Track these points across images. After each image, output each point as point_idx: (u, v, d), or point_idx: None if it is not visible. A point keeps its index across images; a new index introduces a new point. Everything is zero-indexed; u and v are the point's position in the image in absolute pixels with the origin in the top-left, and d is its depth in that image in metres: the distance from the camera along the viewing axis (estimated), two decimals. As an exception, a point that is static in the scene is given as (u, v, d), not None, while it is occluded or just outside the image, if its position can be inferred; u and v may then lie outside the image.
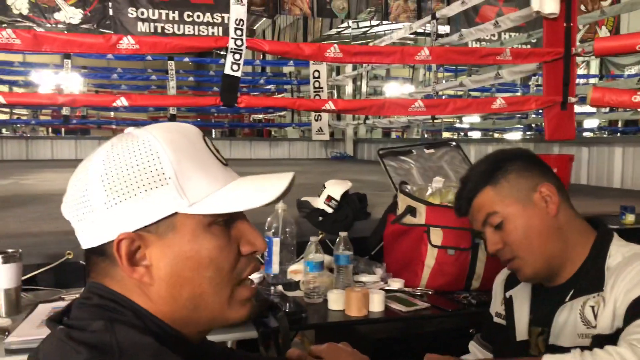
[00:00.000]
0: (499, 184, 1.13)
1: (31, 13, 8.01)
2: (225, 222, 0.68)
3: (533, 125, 9.19)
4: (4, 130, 10.83)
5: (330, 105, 2.96)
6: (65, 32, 6.88)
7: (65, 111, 7.45)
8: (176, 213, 0.65)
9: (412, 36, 9.83)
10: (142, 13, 8.29)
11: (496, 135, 9.82)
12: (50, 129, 11.88)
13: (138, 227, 0.64)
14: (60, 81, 8.87)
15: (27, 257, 1.70)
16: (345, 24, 11.63)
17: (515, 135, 9.11)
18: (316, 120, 7.61)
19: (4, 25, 7.07)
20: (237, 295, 0.69)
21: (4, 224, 2.31)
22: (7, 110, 10.86)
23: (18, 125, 11.17)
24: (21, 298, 1.61)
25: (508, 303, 1.23)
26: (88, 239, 0.67)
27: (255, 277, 1.93)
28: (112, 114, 11.30)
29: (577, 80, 4.34)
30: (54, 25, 8.09)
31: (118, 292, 0.66)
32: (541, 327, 1.12)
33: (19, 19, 8.02)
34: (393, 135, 11.99)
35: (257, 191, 0.68)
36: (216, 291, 0.67)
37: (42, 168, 5.86)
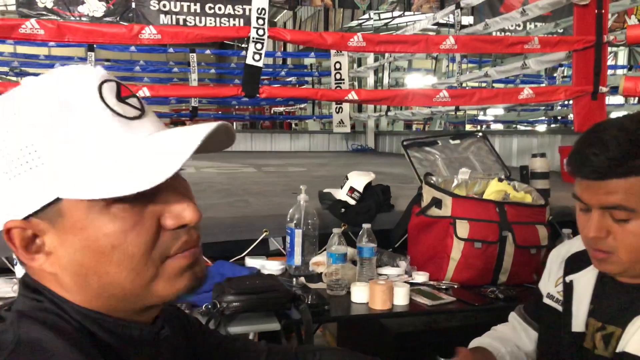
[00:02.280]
0: None
1: (56, 6, 8.11)
2: (134, 197, 0.53)
3: (559, 117, 9.00)
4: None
5: (352, 96, 2.92)
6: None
7: None
8: (58, 198, 0.54)
9: (434, 27, 9.67)
10: (164, 5, 8.34)
11: (520, 127, 9.65)
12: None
13: (24, 215, 0.55)
14: (84, 74, 8.95)
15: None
16: (366, 16, 11.54)
17: (540, 128, 8.94)
18: (337, 112, 7.55)
19: (29, 18, 7.16)
20: (167, 270, 0.58)
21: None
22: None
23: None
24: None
25: (567, 288, 1.10)
26: None
27: (276, 268, 1.91)
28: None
29: (607, 71, 4.21)
30: (77, 18, 8.19)
31: (37, 280, 0.59)
32: (602, 322, 1.02)
33: (44, 12, 8.13)
34: (414, 127, 11.88)
35: (159, 158, 0.54)
36: (132, 277, 0.56)
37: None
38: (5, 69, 9.67)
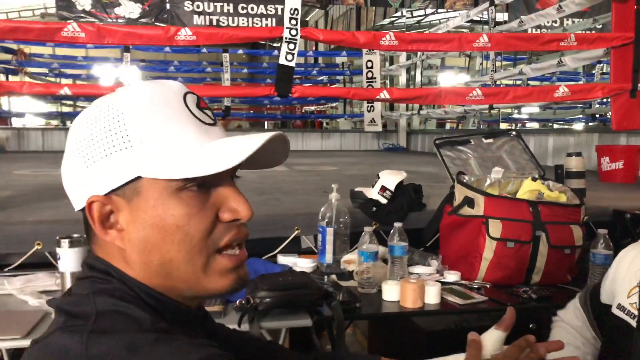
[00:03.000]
0: None
1: (94, 9, 8.33)
2: (199, 187, 0.64)
3: (597, 115, 8.77)
4: (68, 123, 11.36)
5: (384, 95, 2.92)
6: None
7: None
8: (139, 177, 0.63)
9: (468, 24, 9.55)
10: (198, 6, 8.46)
11: (556, 126, 9.44)
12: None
13: (107, 191, 0.64)
14: (119, 74, 9.17)
15: (91, 241, 1.76)
16: (398, 13, 11.46)
17: (577, 126, 8.73)
18: (369, 111, 7.54)
19: (68, 21, 7.37)
20: (215, 265, 0.66)
21: (71, 210, 2.39)
22: (71, 102, 11.36)
23: (82, 117, 11.65)
24: (86, 281, 1.67)
25: None
26: (74, 202, 0.68)
27: (308, 266, 1.93)
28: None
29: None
30: (114, 20, 8.38)
31: (105, 259, 0.66)
32: None
33: (82, 15, 8.36)
34: (447, 126, 11.75)
35: (226, 153, 0.63)
36: (187, 259, 0.64)
37: (104, 158, 6.07)
38: (45, 70, 9.97)
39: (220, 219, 0.66)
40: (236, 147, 0.63)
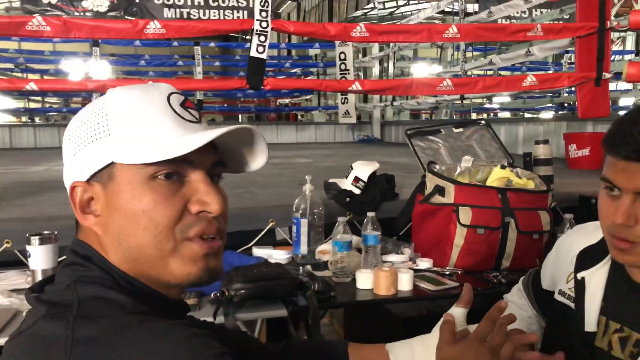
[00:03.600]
0: None
1: (60, 2, 8.15)
2: (168, 177, 0.66)
3: (565, 104, 8.96)
4: (37, 119, 11.10)
5: (357, 86, 2.94)
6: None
7: (95, 98, 7.59)
8: (113, 163, 0.66)
9: (439, 15, 9.64)
10: (168, -1, 8.34)
11: (527, 115, 9.61)
12: (81, 117, 12.09)
13: (87, 177, 0.68)
14: (89, 69, 9.01)
15: (63, 239, 1.75)
16: (371, 5, 11.49)
17: (546, 115, 8.90)
18: (343, 103, 7.57)
19: (34, 14, 7.19)
20: (183, 251, 0.67)
21: (40, 207, 2.37)
22: (39, 98, 11.11)
23: (50, 113, 11.44)
24: (58, 278, 1.65)
25: (579, 285, 1.06)
26: (68, 193, 0.71)
27: (283, 257, 1.95)
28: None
29: (613, 57, 4.19)
30: (82, 14, 8.21)
31: (87, 244, 0.69)
32: (620, 324, 0.98)
33: (48, 8, 8.17)
34: (423, 117, 11.85)
35: (187, 141, 0.65)
36: (153, 244, 0.66)
37: (74, 154, 5.98)
38: (11, 65, 9.73)
39: (189, 211, 0.68)
40: (196, 137, 0.66)
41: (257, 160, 0.77)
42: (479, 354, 0.85)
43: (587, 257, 1.07)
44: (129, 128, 0.67)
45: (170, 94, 0.70)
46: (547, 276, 1.22)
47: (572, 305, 1.08)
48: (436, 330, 0.95)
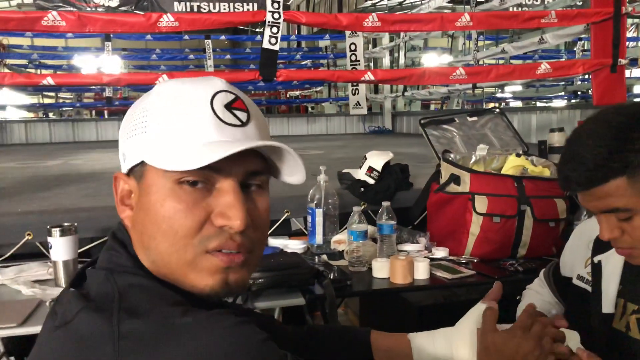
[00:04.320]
0: (636, 174, 0.88)
1: (72, -3, 8.19)
2: (193, 185, 0.63)
3: (579, 92, 8.86)
4: (51, 114, 11.21)
5: (369, 76, 2.93)
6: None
7: (108, 93, 7.65)
8: (144, 162, 0.65)
9: (450, 5, 9.56)
10: (178, -8, 8.35)
11: (539, 103, 9.53)
12: (94, 112, 12.21)
13: (126, 170, 0.69)
14: (101, 64, 9.07)
15: (82, 231, 1.77)
16: (380, -5, 11.42)
17: (559, 103, 8.81)
18: (353, 94, 7.55)
19: (47, 10, 7.25)
20: (202, 263, 0.64)
21: (59, 200, 2.40)
22: (53, 94, 11.21)
23: (64, 108, 11.54)
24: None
25: (596, 269, 1.09)
26: None
27: (299, 247, 1.96)
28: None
29: (627, 43, 4.14)
30: (93, 9, 8.26)
31: (126, 231, 0.70)
32: (638, 306, 1.01)
33: (60, 4, 8.22)
34: (432, 107, 11.79)
35: (208, 152, 0.61)
36: (171, 252, 0.64)
37: (88, 149, 6.04)
38: (24, 61, 9.81)
39: (212, 222, 0.64)
40: (225, 147, 0.62)
41: (294, 175, 0.72)
42: (522, 342, 0.86)
43: (603, 242, 1.07)
44: (162, 129, 0.64)
45: (217, 92, 0.66)
46: (566, 263, 1.24)
47: (590, 289, 1.10)
48: (460, 324, 0.95)
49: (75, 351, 0.58)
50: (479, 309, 0.94)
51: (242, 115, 0.66)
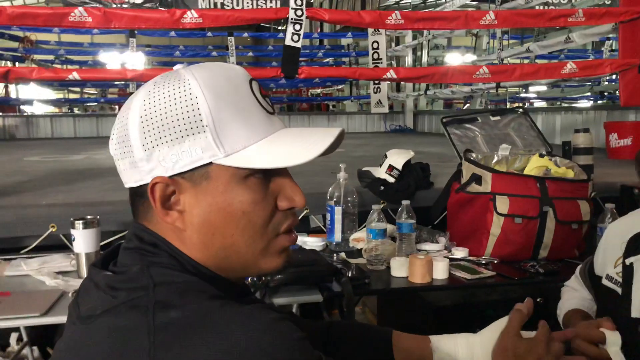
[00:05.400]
0: None
1: (98, -6, 8.31)
2: (264, 175, 0.66)
3: (606, 92, 8.69)
4: (76, 110, 11.40)
5: (391, 74, 2.92)
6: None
7: (131, 89, 7.74)
8: (211, 163, 0.63)
9: (474, 3, 9.45)
10: (202, -10, 8.40)
11: (564, 104, 9.37)
12: (118, 107, 12.40)
13: (173, 174, 0.64)
14: (125, 59, 9.18)
15: (104, 224, 1.80)
16: (404, -7, 11.34)
17: (584, 104, 8.65)
18: (375, 92, 7.51)
19: (74, 6, 7.37)
20: (273, 247, 0.69)
21: (82, 194, 2.45)
22: (78, 89, 11.39)
23: (88, 104, 11.71)
24: (100, 261, 1.71)
25: (627, 271, 1.07)
26: (128, 179, 0.67)
27: (317, 244, 1.96)
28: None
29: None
30: (119, 5, 8.37)
31: (156, 232, 0.67)
32: None
33: (87, 0, 8.34)
34: (455, 107, 11.68)
35: (298, 148, 0.65)
36: (249, 243, 0.67)
37: (112, 143, 6.13)
38: (51, 57, 9.99)
39: (278, 207, 0.68)
40: (308, 142, 0.66)
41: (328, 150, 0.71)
42: (542, 353, 0.85)
43: (638, 243, 1.06)
44: (225, 126, 0.63)
45: (251, 80, 0.68)
46: (598, 261, 1.21)
47: (619, 290, 1.08)
48: (484, 334, 0.93)
49: (111, 343, 0.57)
50: (505, 321, 0.92)
51: (269, 102, 0.70)
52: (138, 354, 0.55)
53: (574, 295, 1.30)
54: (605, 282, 1.14)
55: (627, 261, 1.06)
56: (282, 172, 0.69)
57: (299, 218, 2.12)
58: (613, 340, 0.94)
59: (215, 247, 0.66)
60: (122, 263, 0.66)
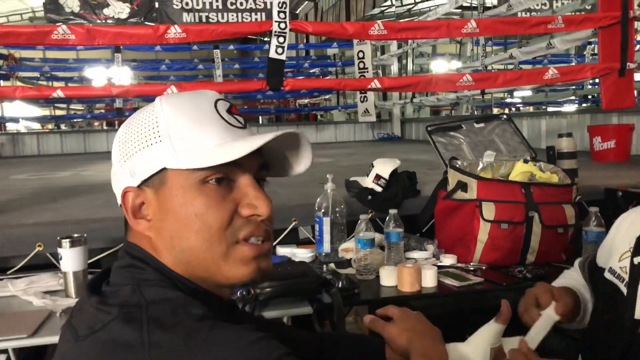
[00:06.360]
0: None
1: (82, 10, 8.31)
2: (219, 182, 0.68)
3: (589, 96, 8.80)
4: (62, 126, 11.33)
5: (375, 84, 2.94)
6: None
7: (118, 104, 7.72)
8: (165, 168, 0.68)
9: (458, 11, 9.55)
10: (187, 4, 8.44)
11: (550, 108, 9.47)
12: (105, 123, 12.33)
13: (139, 182, 0.70)
14: (111, 75, 9.16)
15: (91, 241, 1.79)
16: (388, 2, 11.45)
17: (569, 108, 8.75)
18: (362, 101, 7.55)
19: (58, 23, 7.34)
20: (235, 253, 0.69)
21: (69, 211, 2.43)
22: (64, 106, 11.33)
23: (75, 120, 11.64)
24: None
25: (635, 270, 1.05)
26: (117, 195, 0.73)
27: (306, 255, 1.96)
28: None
29: (635, 47, 4.11)
30: (103, 21, 8.37)
31: (139, 247, 0.71)
32: None
33: (71, 17, 8.34)
34: (442, 113, 11.77)
35: (236, 147, 0.67)
36: (205, 247, 0.68)
37: (99, 160, 6.09)
38: (36, 74, 9.94)
39: (240, 214, 0.70)
40: (247, 142, 0.68)
41: (301, 164, 0.79)
42: None
43: None
44: (179, 134, 0.68)
45: (217, 100, 0.73)
46: (603, 252, 1.20)
47: (621, 286, 1.07)
48: (472, 341, 0.95)
49: (107, 357, 0.59)
50: (491, 327, 0.94)
51: (241, 119, 0.74)
52: None
53: (570, 276, 1.31)
54: (607, 275, 1.13)
55: (636, 260, 1.05)
56: (246, 181, 0.71)
57: (288, 229, 2.13)
58: (550, 315, 0.95)
59: (176, 251, 0.69)
60: (114, 282, 0.69)
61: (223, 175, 0.69)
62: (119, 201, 0.72)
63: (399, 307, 0.98)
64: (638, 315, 1.02)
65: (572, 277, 1.32)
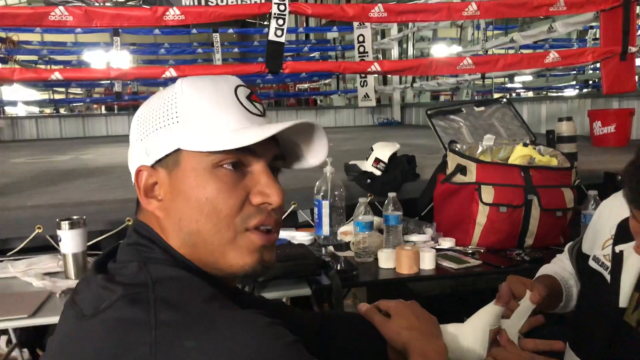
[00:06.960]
0: None
1: (80, -8, 8.22)
2: (234, 166, 0.68)
3: (590, 81, 8.76)
4: (61, 110, 11.28)
5: (375, 67, 2.92)
6: (113, 9, 7.00)
7: (117, 88, 7.69)
8: (180, 150, 0.68)
9: (459, -6, 9.46)
10: (186, -14, 8.34)
11: (551, 93, 9.43)
12: (103, 107, 12.28)
13: (153, 162, 0.70)
14: (110, 58, 9.10)
15: (90, 224, 1.80)
16: (389, -14, 11.32)
17: (570, 93, 8.72)
18: (362, 86, 7.51)
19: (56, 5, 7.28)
20: (242, 241, 0.69)
21: (69, 194, 2.43)
22: (63, 90, 11.27)
23: (74, 104, 11.58)
24: (87, 263, 1.71)
25: (617, 258, 1.06)
26: (133, 177, 0.73)
27: (305, 239, 1.97)
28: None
29: (637, 31, 4.09)
30: (101, 4, 8.29)
31: (148, 226, 0.71)
32: None
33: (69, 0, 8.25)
34: (442, 98, 11.72)
35: (251, 133, 0.67)
36: (214, 231, 0.68)
37: (98, 143, 6.09)
38: (35, 57, 9.88)
39: (250, 201, 0.69)
40: (263, 129, 0.67)
41: (317, 156, 0.77)
42: None
43: (628, 230, 1.03)
44: (197, 117, 0.68)
45: (238, 86, 0.72)
46: (588, 239, 1.21)
47: (605, 274, 1.08)
48: (471, 322, 0.95)
49: (112, 339, 0.58)
50: (490, 308, 0.95)
51: (260, 107, 0.73)
52: (140, 347, 0.57)
53: (559, 261, 1.33)
54: (591, 263, 1.14)
55: (617, 248, 1.06)
56: (260, 169, 0.70)
57: (287, 212, 2.13)
58: (526, 304, 0.97)
59: (183, 233, 0.69)
60: (120, 260, 0.69)
61: (237, 160, 0.68)
62: (133, 179, 0.72)
63: (393, 300, 0.96)
64: (622, 303, 1.03)
65: (560, 263, 1.33)
